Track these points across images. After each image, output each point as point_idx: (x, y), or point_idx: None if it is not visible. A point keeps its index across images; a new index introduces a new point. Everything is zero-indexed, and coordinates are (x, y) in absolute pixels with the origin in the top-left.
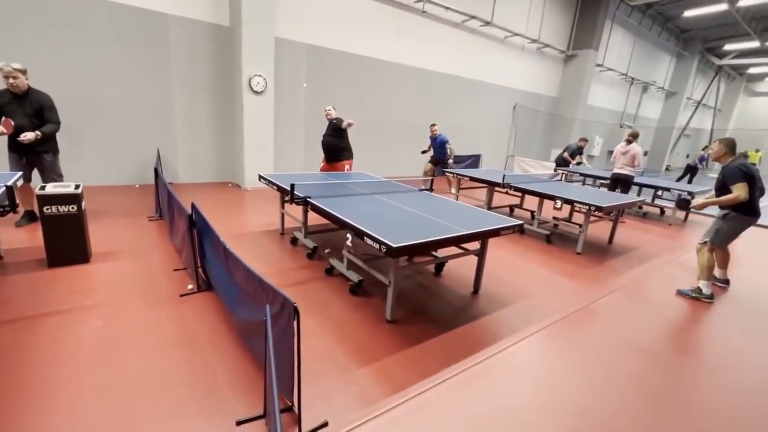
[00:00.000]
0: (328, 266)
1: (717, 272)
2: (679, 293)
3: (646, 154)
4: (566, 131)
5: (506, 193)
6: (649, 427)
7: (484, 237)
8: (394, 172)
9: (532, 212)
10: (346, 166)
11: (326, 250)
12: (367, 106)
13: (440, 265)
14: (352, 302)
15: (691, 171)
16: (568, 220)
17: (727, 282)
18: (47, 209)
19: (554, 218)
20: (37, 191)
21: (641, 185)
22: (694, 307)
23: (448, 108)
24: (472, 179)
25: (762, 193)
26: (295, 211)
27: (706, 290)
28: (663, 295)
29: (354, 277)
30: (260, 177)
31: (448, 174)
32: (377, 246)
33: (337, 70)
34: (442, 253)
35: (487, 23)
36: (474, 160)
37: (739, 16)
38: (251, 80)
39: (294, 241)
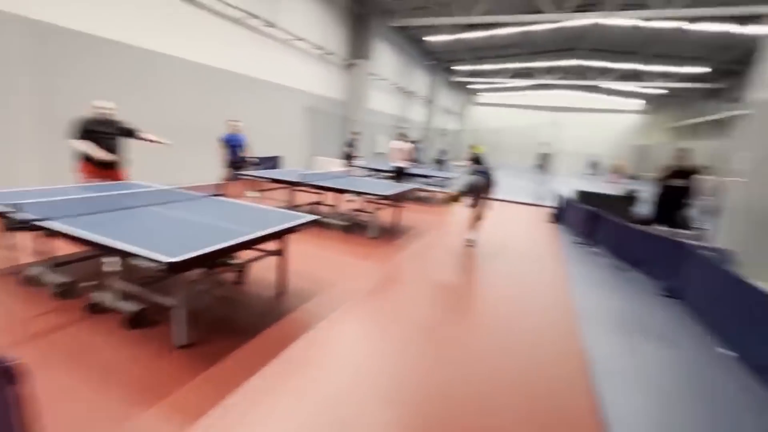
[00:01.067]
0: (91, 302)
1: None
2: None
3: (418, 150)
4: (353, 130)
5: (306, 191)
6: (440, 356)
7: (280, 236)
8: (178, 179)
9: (332, 206)
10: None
11: (87, 284)
12: (135, 104)
13: (241, 273)
14: (131, 338)
15: (439, 162)
16: (363, 210)
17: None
18: None
19: (352, 210)
20: None
21: (416, 175)
22: (461, 259)
23: (240, 109)
24: (274, 180)
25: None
26: (30, 240)
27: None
28: (438, 256)
29: (129, 307)
30: None
31: (243, 176)
32: (153, 265)
33: (85, 59)
34: (242, 259)
35: (270, 24)
36: (273, 162)
37: (460, 46)
38: None
39: (32, 281)
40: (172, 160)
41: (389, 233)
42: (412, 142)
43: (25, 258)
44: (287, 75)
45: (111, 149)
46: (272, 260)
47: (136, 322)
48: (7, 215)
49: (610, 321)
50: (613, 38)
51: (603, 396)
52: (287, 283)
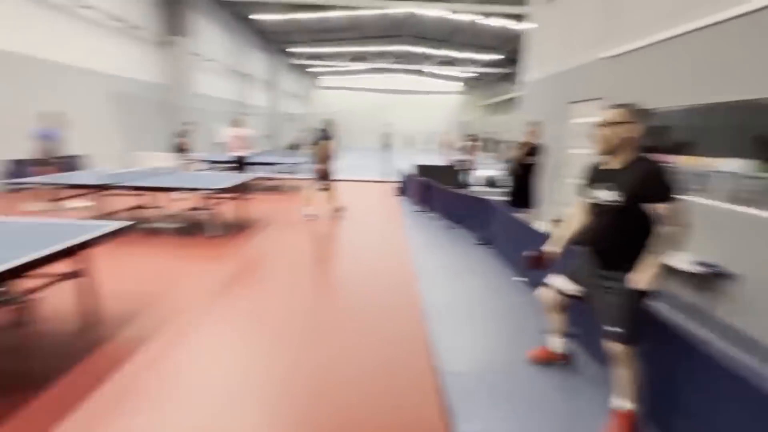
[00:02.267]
0: None
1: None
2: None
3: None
4: (185, 120)
5: (122, 195)
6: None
7: (75, 253)
8: None
9: (159, 208)
10: None
11: None
12: None
13: (22, 310)
14: None
15: (296, 147)
16: (199, 207)
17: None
18: None
19: (185, 209)
20: None
21: (261, 164)
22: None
23: (13, 98)
24: (70, 187)
25: None
26: None
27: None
28: (288, 242)
29: None
30: None
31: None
32: None
33: None
34: (19, 291)
35: None
36: (71, 163)
37: (293, 27)
38: None
39: None
40: None
41: (233, 228)
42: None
43: None
44: (80, 54)
45: None
46: (72, 285)
47: None
48: None
49: (439, 270)
50: (429, 27)
51: (432, 326)
52: (99, 310)
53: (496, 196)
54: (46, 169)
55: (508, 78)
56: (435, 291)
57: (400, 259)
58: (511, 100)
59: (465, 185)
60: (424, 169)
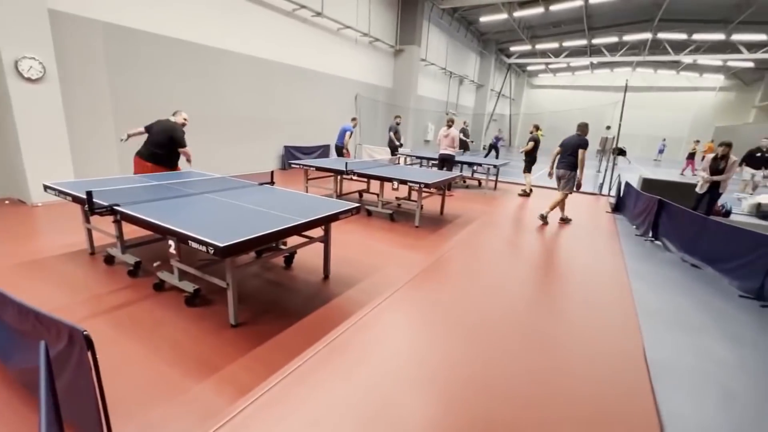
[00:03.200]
0: (157, 281)
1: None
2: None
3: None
4: (404, 119)
5: (351, 179)
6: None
7: (324, 223)
8: (233, 169)
9: (377, 194)
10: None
11: (155, 264)
12: (194, 98)
13: (289, 258)
14: (189, 315)
15: (493, 148)
16: (408, 198)
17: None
18: None
19: (396, 198)
20: None
21: (463, 163)
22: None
23: (290, 99)
24: (319, 169)
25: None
26: (106, 224)
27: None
28: (484, 245)
29: (189, 287)
30: (45, 187)
31: (295, 165)
32: (205, 249)
33: (150, 56)
34: (289, 245)
35: (318, 14)
36: (324, 150)
37: (515, 25)
38: (18, 64)
39: (110, 260)
40: (223, 150)
41: (435, 222)
42: (462, 131)
43: (105, 240)
44: (336, 64)
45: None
46: (318, 246)
47: (194, 301)
48: (88, 201)
49: (672, 318)
50: (693, 6)
51: (663, 400)
52: (331, 269)
53: None
54: (344, 155)
55: None
56: (665, 346)
57: (616, 291)
58: None
59: (719, 213)
60: (653, 184)
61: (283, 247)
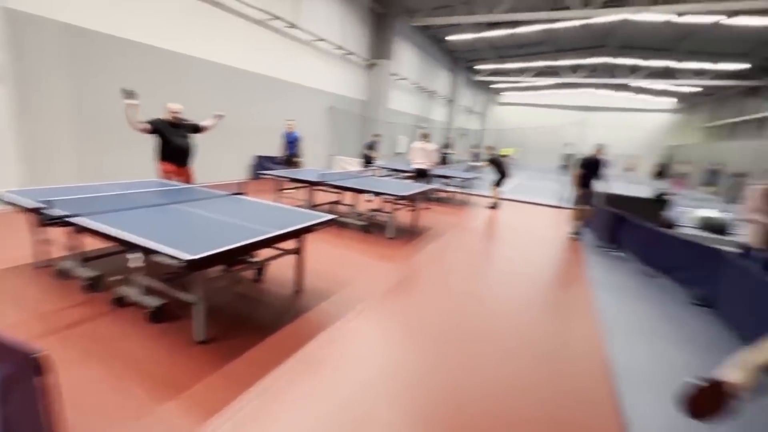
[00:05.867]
0: (117, 296)
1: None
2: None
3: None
4: (374, 131)
5: (325, 190)
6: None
7: (297, 235)
8: (203, 178)
9: (351, 206)
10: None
11: (114, 278)
12: (159, 104)
13: (260, 270)
14: (153, 332)
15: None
16: (381, 210)
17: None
18: None
19: (370, 210)
20: None
21: (436, 176)
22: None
23: (262, 108)
24: (291, 180)
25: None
26: (61, 235)
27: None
28: (455, 257)
29: (153, 302)
30: None
31: (266, 175)
32: (173, 262)
33: (116, 61)
34: (261, 257)
35: (292, 25)
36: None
37: (483, 44)
38: None
39: (64, 274)
40: (196, 160)
41: (408, 233)
42: (445, 146)
43: (57, 252)
44: (309, 75)
45: (185, 148)
46: (290, 259)
47: (158, 316)
48: (40, 211)
49: (631, 324)
50: (643, 35)
51: (625, 401)
52: (304, 282)
53: (722, 244)
54: (288, 165)
55: (756, 92)
56: (625, 351)
57: (580, 299)
58: (754, 121)
59: (671, 225)
60: (614, 199)
61: (254, 259)
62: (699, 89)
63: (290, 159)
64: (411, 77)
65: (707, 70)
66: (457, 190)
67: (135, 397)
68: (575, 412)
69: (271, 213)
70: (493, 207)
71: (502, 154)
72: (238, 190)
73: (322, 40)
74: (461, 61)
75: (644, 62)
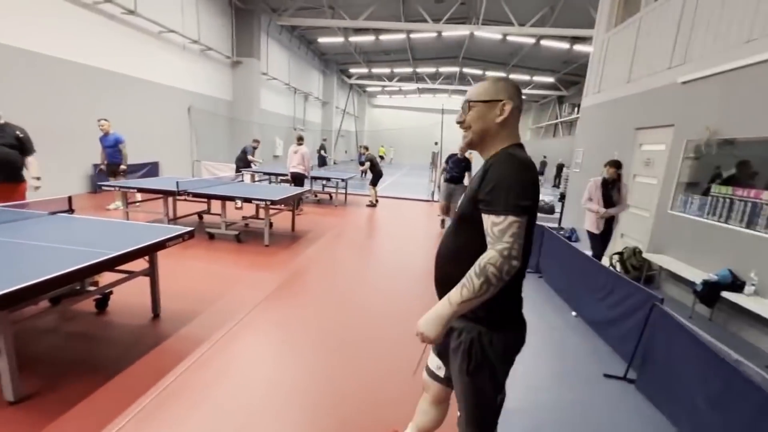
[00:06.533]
0: None
1: None
2: None
3: (323, 153)
4: (247, 134)
5: (187, 200)
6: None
7: (146, 253)
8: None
9: (219, 215)
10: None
11: None
12: None
13: (103, 300)
14: None
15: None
16: (256, 216)
17: None
18: None
19: (243, 217)
20: None
21: (314, 177)
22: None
23: (101, 108)
24: (142, 191)
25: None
26: None
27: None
28: (339, 254)
29: None
30: None
31: (107, 187)
32: None
33: None
34: (103, 283)
35: (131, 12)
36: (151, 168)
37: (351, 48)
38: None
39: None
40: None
41: (286, 239)
42: (322, 148)
43: None
44: (161, 72)
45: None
46: (143, 282)
47: None
48: None
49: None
50: (485, 49)
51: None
52: (162, 307)
53: (548, 221)
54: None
55: (562, 100)
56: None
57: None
58: (564, 123)
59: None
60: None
61: (92, 288)
62: (524, 97)
63: (112, 168)
64: (282, 78)
65: (529, 81)
66: (336, 191)
67: None
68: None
69: (111, 231)
70: (372, 205)
71: (380, 154)
72: (64, 207)
73: (172, 31)
74: (333, 63)
75: (487, 73)
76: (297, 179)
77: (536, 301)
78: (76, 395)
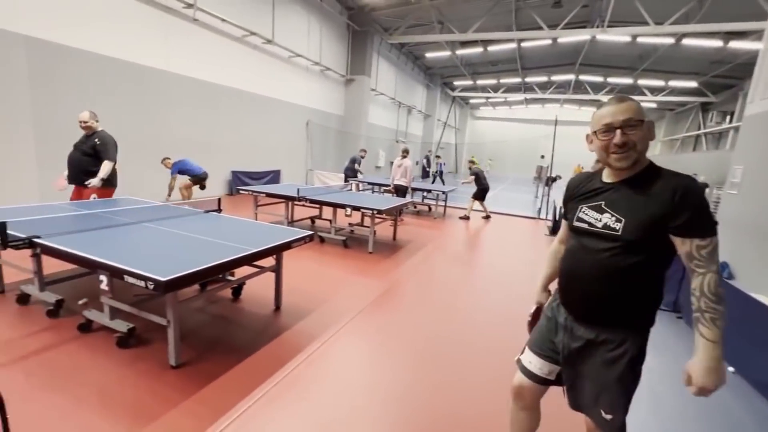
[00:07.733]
0: (83, 321)
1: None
2: None
3: (417, 163)
4: (354, 146)
5: (303, 205)
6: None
7: (276, 252)
8: (176, 196)
9: (330, 221)
10: (93, 196)
11: (80, 301)
12: (132, 120)
13: (237, 289)
14: (122, 357)
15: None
16: (361, 224)
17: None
18: None
19: (349, 224)
20: None
21: (415, 189)
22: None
23: (239, 124)
24: (269, 195)
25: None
26: (18, 258)
27: None
28: (438, 266)
29: (122, 326)
30: None
31: (243, 191)
32: (144, 284)
33: (83, 74)
34: (238, 275)
35: (269, 41)
36: (274, 176)
37: (457, 62)
38: None
39: (24, 299)
40: (163, 176)
41: (388, 247)
42: (426, 158)
43: (18, 276)
44: (288, 91)
45: (72, 161)
46: (269, 277)
47: (128, 341)
48: (1, 233)
49: None
50: (608, 53)
51: None
52: (282, 301)
53: None
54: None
55: (708, 108)
56: None
57: None
58: (709, 135)
59: None
60: None
61: (230, 278)
62: (654, 105)
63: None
64: (389, 93)
65: (663, 87)
66: (435, 203)
67: (102, 427)
68: (560, 417)
69: (249, 230)
70: (466, 218)
71: (471, 161)
72: (215, 206)
73: (299, 56)
74: (437, 77)
75: (609, 80)
76: (399, 191)
77: (677, 351)
78: (217, 370)
